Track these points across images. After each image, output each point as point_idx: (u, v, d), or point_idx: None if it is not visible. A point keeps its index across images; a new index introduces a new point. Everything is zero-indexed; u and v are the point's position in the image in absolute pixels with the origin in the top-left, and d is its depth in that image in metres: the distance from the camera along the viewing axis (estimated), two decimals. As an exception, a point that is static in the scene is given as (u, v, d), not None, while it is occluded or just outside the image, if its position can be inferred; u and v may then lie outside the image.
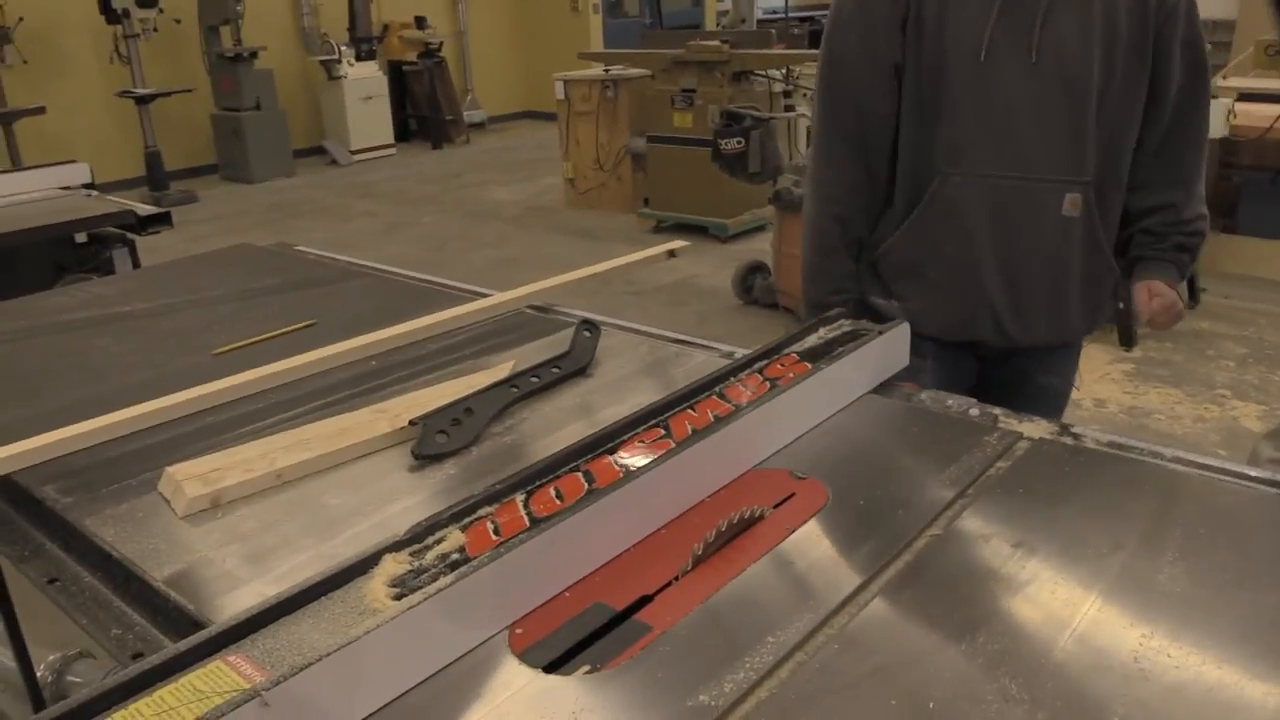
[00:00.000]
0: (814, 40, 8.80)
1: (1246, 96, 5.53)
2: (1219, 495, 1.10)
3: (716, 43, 6.23)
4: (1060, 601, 0.92)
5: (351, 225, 7.46)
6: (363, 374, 1.51)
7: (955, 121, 1.63)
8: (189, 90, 8.80)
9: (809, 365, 1.29)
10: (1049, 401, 1.87)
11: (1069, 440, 1.24)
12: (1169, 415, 3.85)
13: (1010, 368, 1.85)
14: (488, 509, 0.98)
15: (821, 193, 1.78)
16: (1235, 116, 4.86)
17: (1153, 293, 1.75)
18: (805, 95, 6.25)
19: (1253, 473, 1.13)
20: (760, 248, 5.75)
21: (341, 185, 8.99)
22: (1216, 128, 4.76)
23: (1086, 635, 0.87)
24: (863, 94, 1.69)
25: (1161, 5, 1.61)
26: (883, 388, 1.38)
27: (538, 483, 1.03)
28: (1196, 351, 4.45)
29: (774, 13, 12.05)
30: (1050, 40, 1.57)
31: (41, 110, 7.74)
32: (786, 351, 1.35)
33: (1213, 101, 4.87)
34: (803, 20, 12.71)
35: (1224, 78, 6.62)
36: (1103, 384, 4.06)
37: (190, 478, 1.15)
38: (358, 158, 9.94)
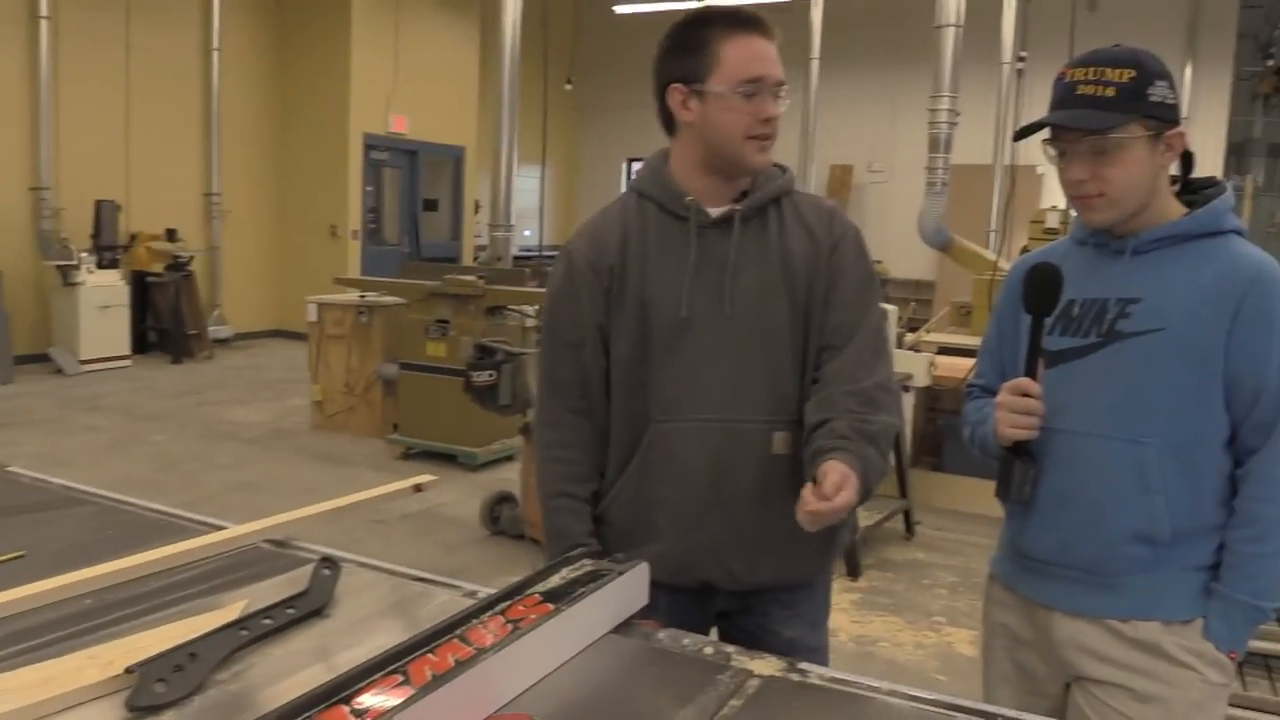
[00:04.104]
0: (568, 278, 9.27)
1: (945, 350, 6.27)
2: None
3: (473, 277, 6.46)
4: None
5: (72, 440, 6.93)
6: (76, 613, 1.39)
7: (663, 373, 1.76)
8: (-104, 287, 8.13)
9: (551, 606, 1.31)
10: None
11: (796, 677, 1.32)
12: (893, 643, 4.08)
13: (751, 618, 1.85)
14: (208, 767, 0.92)
15: (545, 441, 1.89)
16: (936, 368, 5.46)
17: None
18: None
19: (960, 702, 1.24)
20: (509, 478, 5.79)
21: (65, 396, 8.39)
22: (920, 378, 5.33)
23: None
24: (576, 355, 1.82)
25: (828, 238, 1.78)
26: (623, 627, 1.42)
27: (265, 736, 0.98)
28: (914, 581, 4.79)
29: (529, 250, 12.64)
30: (740, 293, 1.73)
31: None
32: (529, 592, 1.37)
33: (917, 355, 5.42)
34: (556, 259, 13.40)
35: (926, 332, 7.48)
36: (833, 613, 4.27)
37: None
38: (87, 368, 9.36)
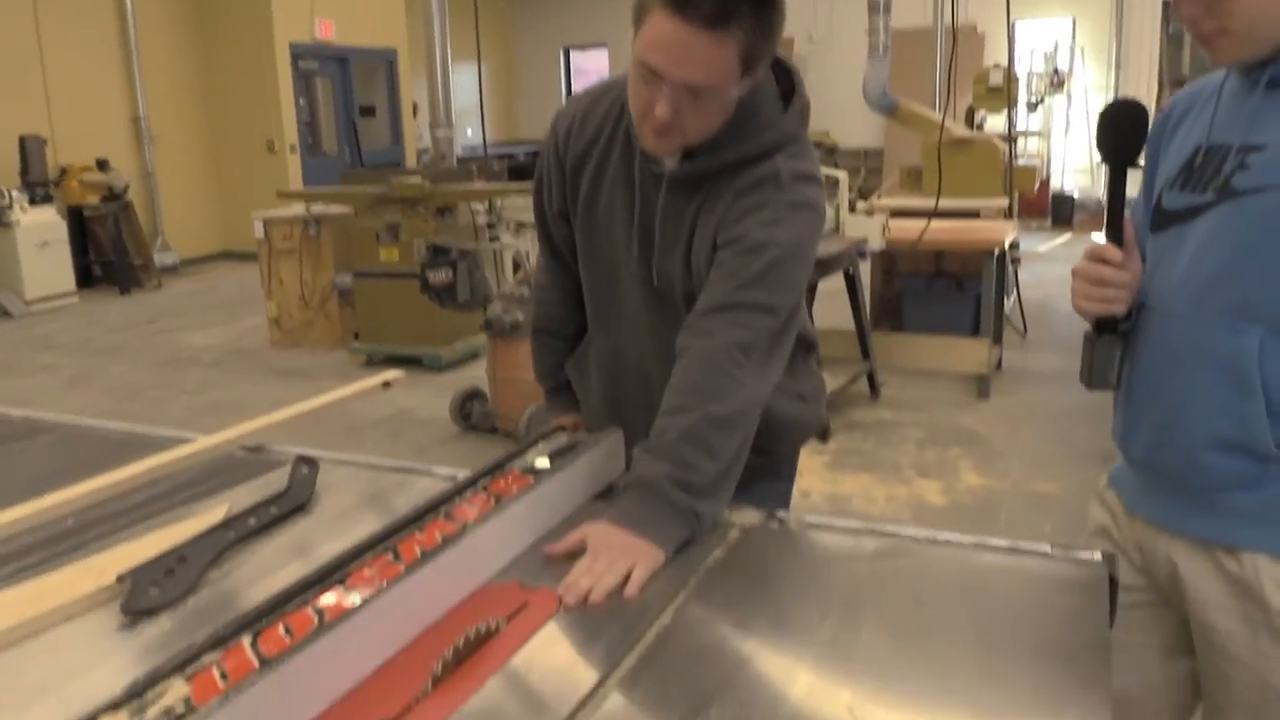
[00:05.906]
0: (513, 174, 9.14)
1: (898, 213, 6.28)
2: (901, 558, 1.25)
3: (418, 179, 6.33)
4: (780, 670, 1.00)
5: (30, 381, 6.83)
6: (59, 534, 1.39)
7: (598, 295, 1.70)
8: None
9: (532, 478, 1.34)
10: None
11: (775, 525, 1.36)
12: (866, 498, 4.19)
13: None
14: (212, 655, 0.94)
15: (535, 282, 1.90)
16: (889, 231, 5.47)
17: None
18: (509, 226, 6.44)
19: (917, 533, 1.30)
20: (476, 375, 5.79)
21: (16, 338, 8.23)
22: (875, 241, 5.35)
23: (803, 702, 0.95)
24: (549, 229, 1.75)
25: (734, 208, 1.48)
26: (604, 493, 1.45)
27: (264, 622, 0.99)
28: (882, 439, 4.89)
29: (473, 149, 12.39)
30: (663, 265, 1.57)
31: None
32: (509, 468, 1.38)
33: (870, 219, 5.41)
34: (502, 157, 13.16)
35: (878, 197, 7.48)
36: (804, 477, 4.37)
37: None
38: (34, 308, 9.17)
